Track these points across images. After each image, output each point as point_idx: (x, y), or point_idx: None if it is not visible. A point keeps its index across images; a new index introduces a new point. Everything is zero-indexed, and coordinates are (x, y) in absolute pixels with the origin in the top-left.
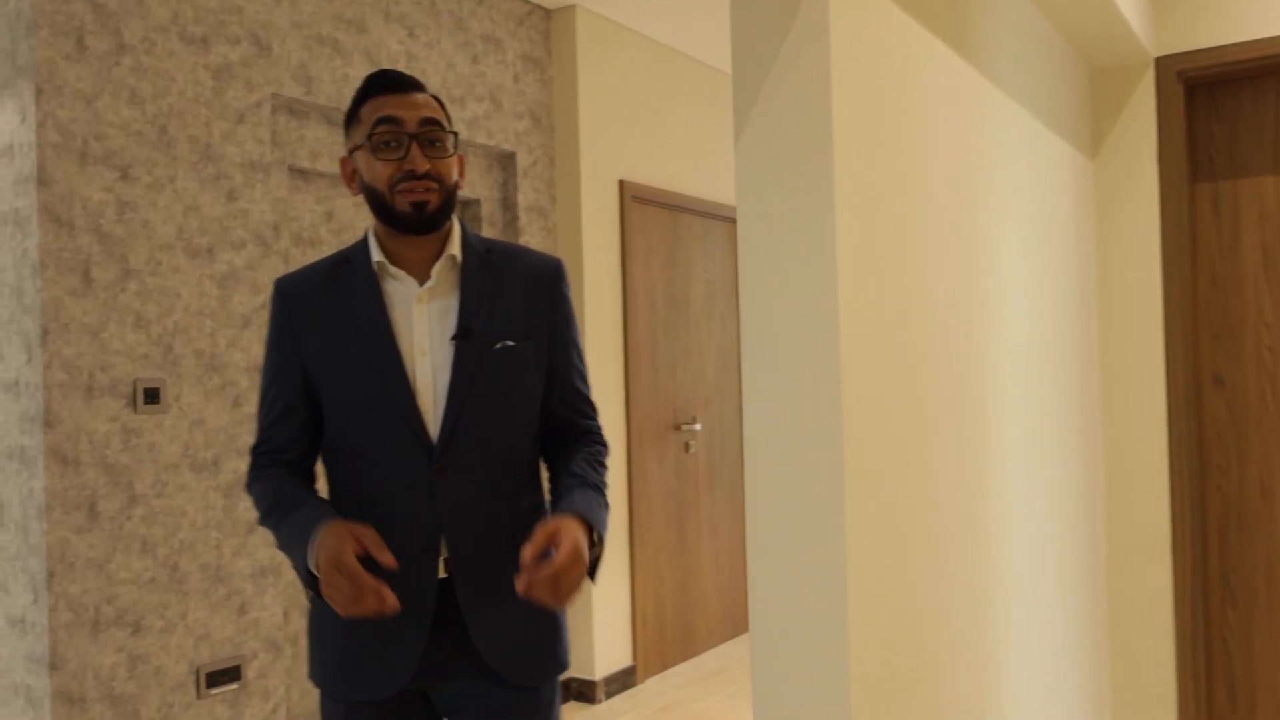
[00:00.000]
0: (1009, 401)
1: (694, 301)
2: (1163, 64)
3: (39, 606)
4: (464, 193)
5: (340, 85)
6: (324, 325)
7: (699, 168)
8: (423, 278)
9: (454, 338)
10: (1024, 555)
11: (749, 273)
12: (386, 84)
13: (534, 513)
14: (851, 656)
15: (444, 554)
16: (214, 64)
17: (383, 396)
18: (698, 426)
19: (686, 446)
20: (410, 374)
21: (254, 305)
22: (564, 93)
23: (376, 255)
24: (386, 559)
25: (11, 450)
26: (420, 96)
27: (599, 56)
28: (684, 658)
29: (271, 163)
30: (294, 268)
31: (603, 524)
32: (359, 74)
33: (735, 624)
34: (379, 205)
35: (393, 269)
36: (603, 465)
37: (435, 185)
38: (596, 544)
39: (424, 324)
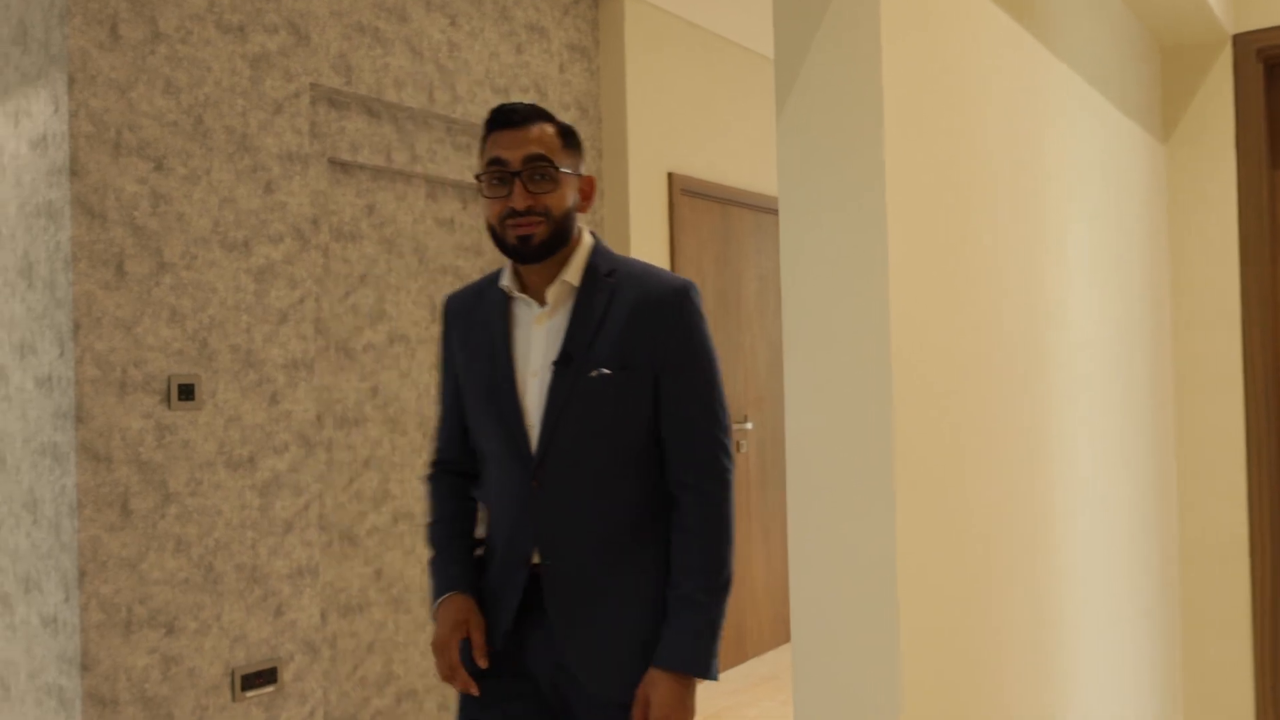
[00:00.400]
0: (1075, 398)
1: (745, 298)
2: (1240, 41)
3: (70, 606)
4: None
5: (380, 75)
6: (467, 341)
7: (751, 159)
8: (543, 301)
9: (554, 363)
10: (1091, 558)
11: (792, 259)
12: (500, 121)
13: (639, 530)
14: (904, 669)
15: (535, 560)
16: (251, 53)
17: (497, 412)
18: (749, 426)
19: (738, 446)
20: (521, 393)
21: (291, 300)
22: (611, 83)
23: (504, 279)
24: (481, 661)
25: (44, 446)
26: (533, 130)
27: (648, 45)
28: (734, 663)
29: (310, 154)
30: (333, 262)
31: (700, 656)
32: (400, 63)
33: (787, 629)
34: (494, 237)
35: (517, 293)
36: (706, 546)
37: (540, 218)
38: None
39: (539, 346)
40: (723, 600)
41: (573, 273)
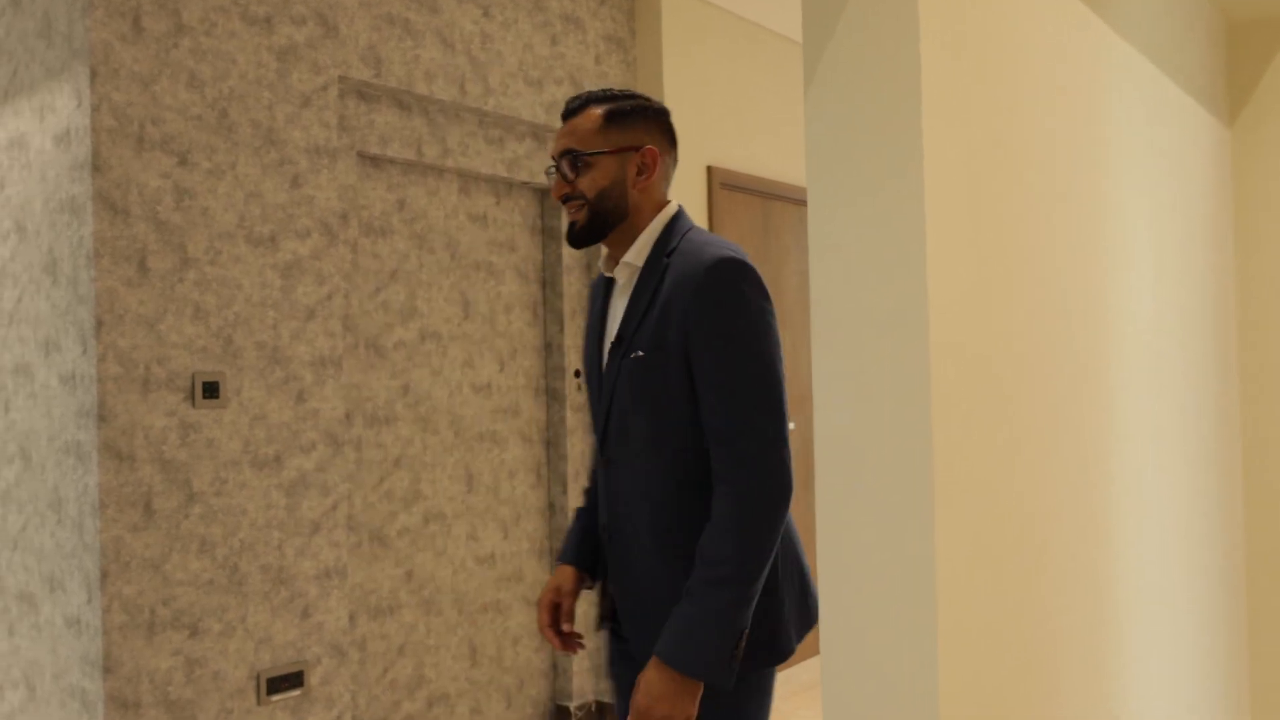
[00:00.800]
0: (1133, 395)
1: (787, 293)
2: None
3: (93, 607)
4: (544, 180)
5: (411, 67)
6: (587, 319)
7: (792, 152)
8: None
9: (610, 345)
10: (1151, 569)
11: (820, 244)
12: (562, 115)
13: (684, 515)
14: (941, 686)
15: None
16: (277, 45)
17: (589, 389)
18: (791, 426)
19: None
20: (603, 372)
21: (319, 296)
22: (649, 75)
23: (601, 260)
24: (564, 625)
25: (68, 445)
26: (576, 120)
27: (686, 36)
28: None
29: (339, 148)
30: (362, 257)
31: (686, 651)
32: (431, 55)
33: None
34: None
35: (607, 273)
36: (722, 537)
37: (580, 201)
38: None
39: (614, 326)
40: (726, 595)
41: (635, 252)
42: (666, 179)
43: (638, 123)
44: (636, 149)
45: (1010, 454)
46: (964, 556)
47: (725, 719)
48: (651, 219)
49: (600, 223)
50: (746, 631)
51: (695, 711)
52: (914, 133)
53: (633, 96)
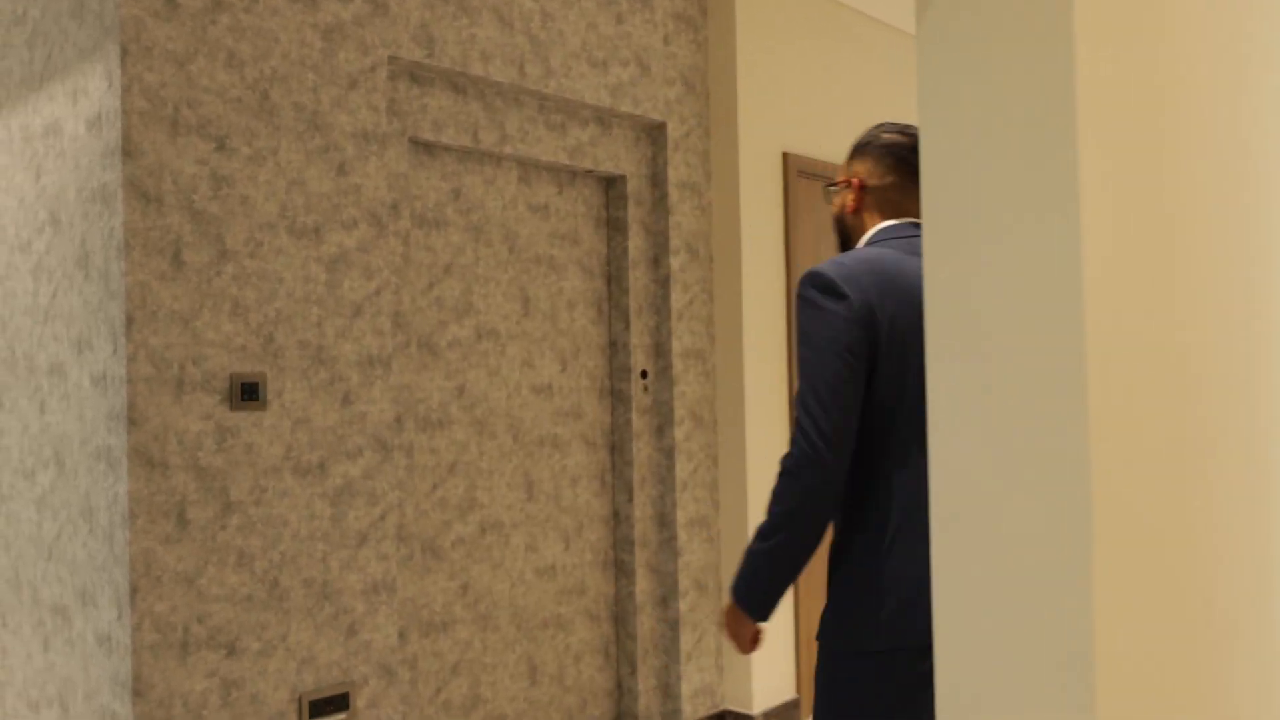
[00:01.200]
0: None
1: None
2: None
3: (123, 624)
4: (609, 168)
5: (466, 47)
6: None
7: None
8: None
9: None
10: None
11: (939, 236)
12: None
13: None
14: None
15: None
16: (323, 23)
17: None
18: None
19: None
20: None
21: (366, 291)
22: (721, 55)
23: None
24: None
25: (99, 450)
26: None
27: (761, 15)
28: None
29: (388, 134)
30: (414, 250)
31: (736, 576)
32: (487, 34)
33: None
34: None
35: None
36: (772, 498)
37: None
38: (742, 599)
39: None
40: (757, 540)
41: None
42: (884, 204)
43: (854, 158)
44: (847, 182)
45: (1180, 491)
46: (1128, 621)
47: (821, 688)
48: (857, 244)
49: (840, 245)
50: (771, 579)
51: (745, 633)
52: (1066, 90)
53: (882, 129)
